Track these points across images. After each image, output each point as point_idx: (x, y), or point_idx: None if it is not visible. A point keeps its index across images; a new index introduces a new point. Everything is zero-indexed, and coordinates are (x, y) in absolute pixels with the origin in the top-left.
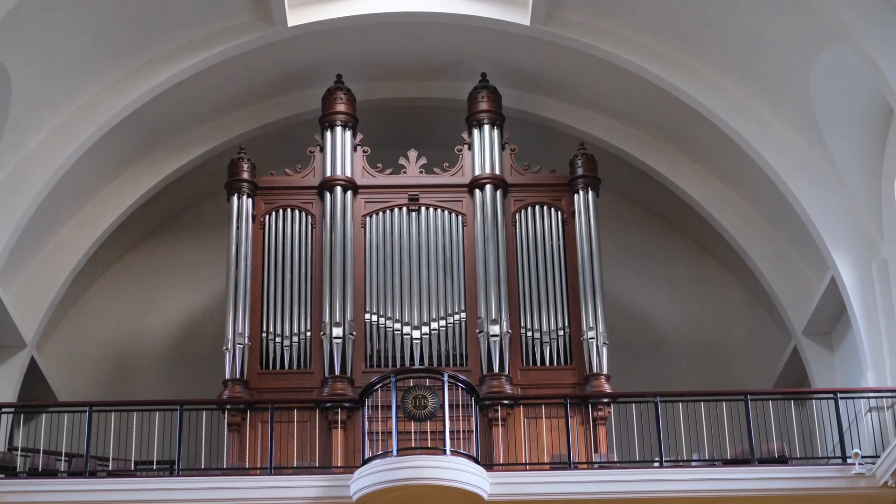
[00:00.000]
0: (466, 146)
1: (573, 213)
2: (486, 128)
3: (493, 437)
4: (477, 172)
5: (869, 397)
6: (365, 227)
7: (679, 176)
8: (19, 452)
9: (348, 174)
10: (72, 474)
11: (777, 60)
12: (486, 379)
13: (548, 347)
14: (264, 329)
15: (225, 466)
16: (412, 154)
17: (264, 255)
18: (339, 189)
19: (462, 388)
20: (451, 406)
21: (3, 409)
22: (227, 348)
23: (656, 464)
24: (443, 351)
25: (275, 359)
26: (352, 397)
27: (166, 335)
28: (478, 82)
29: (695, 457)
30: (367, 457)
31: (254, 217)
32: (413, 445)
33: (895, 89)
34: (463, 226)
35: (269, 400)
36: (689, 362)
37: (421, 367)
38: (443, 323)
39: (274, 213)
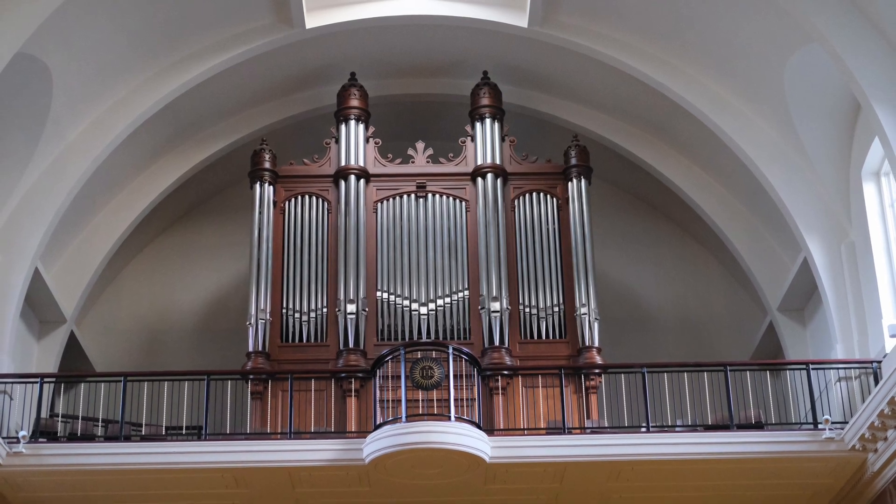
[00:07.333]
0: (469, 138)
1: (567, 199)
2: (488, 121)
3: (494, 405)
4: (479, 162)
5: (838, 368)
6: (376, 213)
7: (664, 165)
8: (60, 419)
9: (361, 164)
10: (108, 439)
11: (754, 59)
12: (487, 351)
13: (544, 322)
14: (284, 305)
15: (248, 431)
16: (420, 145)
17: (284, 238)
18: (352, 177)
19: (465, 359)
20: (455, 376)
21: (45, 379)
22: (250, 323)
23: (643, 429)
24: (448, 325)
25: (294, 333)
26: (364, 368)
27: (194, 311)
28: (480, 79)
29: (678, 423)
30: (378, 423)
31: (275, 203)
32: (420, 412)
33: (862, 86)
34: (466, 211)
35: (288, 370)
36: (674, 336)
37: (428, 340)
38: (448, 300)
39: (293, 200)
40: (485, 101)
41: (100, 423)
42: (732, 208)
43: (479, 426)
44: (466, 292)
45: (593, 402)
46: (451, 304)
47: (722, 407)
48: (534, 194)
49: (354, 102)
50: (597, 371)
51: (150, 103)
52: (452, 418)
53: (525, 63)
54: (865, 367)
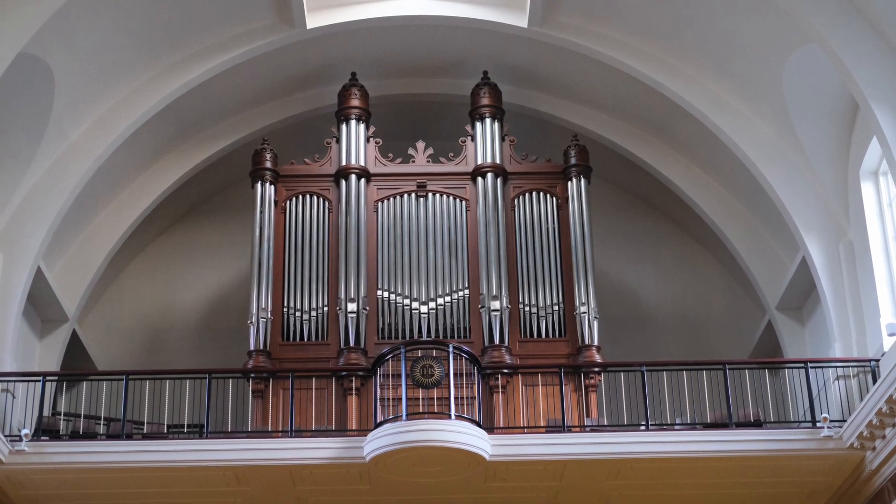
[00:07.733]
0: (469, 138)
1: (567, 198)
2: (488, 121)
3: (494, 403)
4: (479, 161)
5: (836, 367)
6: (377, 212)
7: (663, 165)
8: (62, 417)
9: (362, 163)
10: (110, 437)
11: (752, 59)
12: (487, 350)
13: (544, 321)
14: (285, 304)
15: (249, 430)
16: (420, 145)
17: (285, 237)
18: (353, 177)
19: (466, 358)
20: (455, 374)
21: (48, 378)
22: (251, 322)
23: (642, 427)
24: (448, 324)
25: (295, 331)
26: (365, 367)
27: (196, 310)
28: (480, 79)
29: (678, 421)
30: (379, 421)
31: (276, 202)
32: (421, 411)
33: (860, 86)
34: (466, 210)
35: (289, 369)
36: (673, 334)
37: (428, 339)
38: (448, 299)
39: (294, 199)
40: (485, 100)
41: (102, 422)
42: (731, 208)
43: (479, 424)
44: (466, 291)
45: (593, 400)
46: (451, 302)
47: (721, 405)
48: (534, 194)
49: (355, 102)
50: (596, 369)
51: (152, 103)
52: (453, 417)
53: (525, 63)
54: (863, 366)
